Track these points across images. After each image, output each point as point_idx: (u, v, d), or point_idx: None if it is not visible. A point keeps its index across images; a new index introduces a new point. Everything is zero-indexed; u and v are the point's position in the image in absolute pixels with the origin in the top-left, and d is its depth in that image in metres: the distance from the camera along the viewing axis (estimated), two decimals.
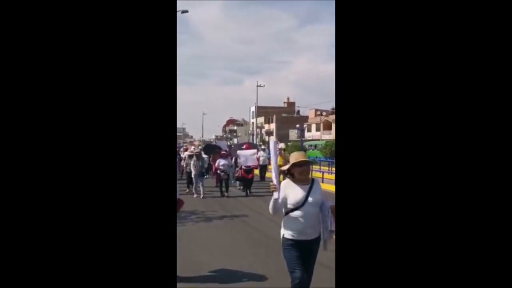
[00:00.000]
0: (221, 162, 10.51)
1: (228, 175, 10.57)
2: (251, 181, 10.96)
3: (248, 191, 10.67)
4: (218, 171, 10.50)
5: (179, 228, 6.43)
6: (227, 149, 12.77)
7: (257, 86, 44.45)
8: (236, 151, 11.61)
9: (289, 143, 32.48)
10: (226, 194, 10.44)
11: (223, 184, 10.50)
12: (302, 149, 22.04)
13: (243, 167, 10.61)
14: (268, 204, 2.86)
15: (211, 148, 12.34)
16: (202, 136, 66.81)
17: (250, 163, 10.85)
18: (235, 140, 48.54)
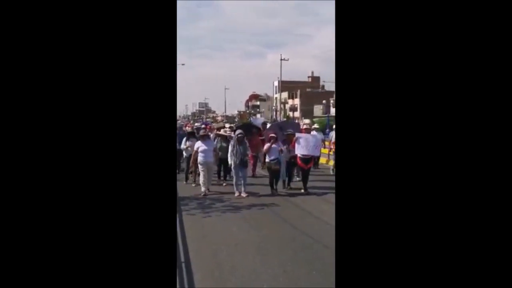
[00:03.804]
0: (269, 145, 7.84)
1: (280, 164, 7.76)
2: (308, 172, 8.16)
3: (305, 187, 7.96)
4: (268, 160, 7.84)
5: (205, 220, 5.66)
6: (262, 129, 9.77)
7: (281, 59, 43.28)
8: (280, 132, 8.38)
9: (314, 119, 31.68)
10: (276, 190, 7.78)
11: (274, 179, 7.79)
12: (329, 126, 21.26)
13: (299, 155, 7.94)
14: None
15: (247, 129, 8.98)
16: (225, 111, 66.57)
17: (313, 152, 8.04)
18: (258, 116, 47.90)
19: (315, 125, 11.50)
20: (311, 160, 8.25)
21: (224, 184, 8.54)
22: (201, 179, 7.71)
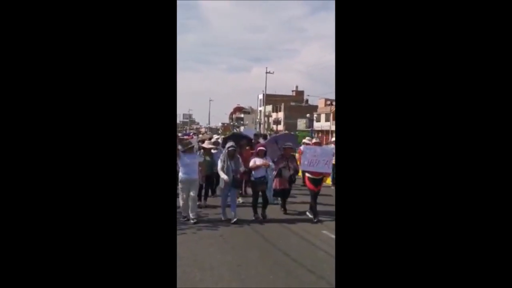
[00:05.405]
0: (256, 161, 6.25)
1: (267, 183, 6.36)
2: (316, 195, 6.35)
3: (315, 215, 6.23)
4: (252, 178, 6.28)
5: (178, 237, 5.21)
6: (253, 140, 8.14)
7: (266, 72, 43.39)
8: (276, 147, 6.69)
9: (297, 133, 31.62)
10: (263, 215, 6.30)
11: (259, 199, 6.32)
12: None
13: (308, 174, 6.42)
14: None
15: (236, 140, 6.94)
16: (209, 123, 66.13)
17: (323, 169, 6.23)
18: (242, 128, 47.66)
19: (315, 139, 9.85)
20: (322, 181, 6.48)
21: (203, 205, 7.26)
22: (180, 202, 6.04)
